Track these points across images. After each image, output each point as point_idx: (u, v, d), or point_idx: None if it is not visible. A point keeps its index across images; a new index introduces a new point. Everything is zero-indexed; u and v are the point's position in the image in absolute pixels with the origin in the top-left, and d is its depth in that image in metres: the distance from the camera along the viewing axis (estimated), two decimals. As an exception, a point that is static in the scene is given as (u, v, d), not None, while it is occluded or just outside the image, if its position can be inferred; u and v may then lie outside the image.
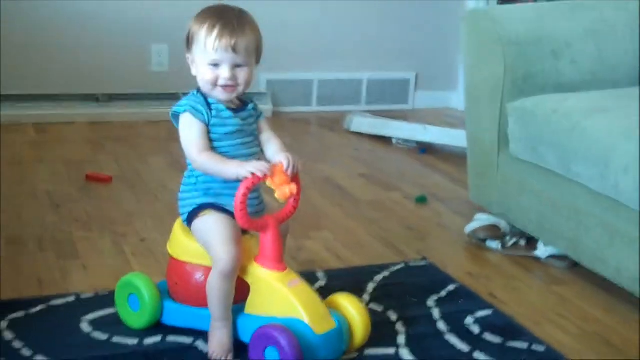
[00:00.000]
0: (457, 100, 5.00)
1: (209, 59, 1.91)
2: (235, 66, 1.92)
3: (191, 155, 1.93)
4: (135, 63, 4.36)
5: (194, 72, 1.97)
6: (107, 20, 4.26)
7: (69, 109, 4.23)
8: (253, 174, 1.85)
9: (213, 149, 1.94)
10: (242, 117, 1.98)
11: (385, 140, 4.18)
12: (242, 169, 1.87)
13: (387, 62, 4.91)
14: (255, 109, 2.03)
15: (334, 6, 4.68)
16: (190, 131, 1.93)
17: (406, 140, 4.13)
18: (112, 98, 4.33)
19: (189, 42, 1.96)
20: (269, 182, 1.89)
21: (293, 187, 1.89)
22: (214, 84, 1.93)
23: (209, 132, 1.93)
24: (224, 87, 1.93)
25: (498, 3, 4.83)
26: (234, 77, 1.92)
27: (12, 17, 4.08)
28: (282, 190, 1.88)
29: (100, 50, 4.27)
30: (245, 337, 1.95)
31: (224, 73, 1.91)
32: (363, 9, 4.74)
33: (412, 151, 4.05)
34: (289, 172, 1.91)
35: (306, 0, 4.61)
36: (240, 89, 1.95)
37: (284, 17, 4.51)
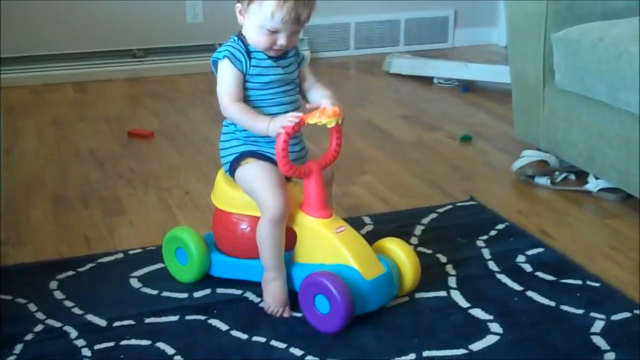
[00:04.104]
0: (498, 35, 4.89)
1: (270, 26, 1.86)
2: (292, 33, 1.89)
3: (223, 103, 1.90)
4: (170, 16, 4.32)
5: (241, 21, 1.92)
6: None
7: (106, 66, 4.22)
8: (285, 126, 1.81)
9: (251, 98, 1.91)
10: (282, 66, 1.94)
11: (425, 80, 4.11)
12: (272, 126, 1.83)
13: (424, 1, 4.80)
14: (297, 54, 1.99)
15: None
16: (225, 78, 1.89)
17: (447, 79, 4.05)
18: (148, 53, 4.31)
19: None
20: (314, 121, 1.85)
21: (337, 109, 1.86)
22: (269, 47, 1.89)
23: (246, 82, 1.90)
24: (277, 50, 1.90)
25: None
26: (289, 43, 1.89)
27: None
28: (328, 114, 1.84)
29: (135, 4, 4.24)
30: (295, 286, 1.93)
31: (282, 40, 1.88)
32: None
33: (454, 90, 3.97)
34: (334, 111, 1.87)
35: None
36: (289, 47, 1.92)
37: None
